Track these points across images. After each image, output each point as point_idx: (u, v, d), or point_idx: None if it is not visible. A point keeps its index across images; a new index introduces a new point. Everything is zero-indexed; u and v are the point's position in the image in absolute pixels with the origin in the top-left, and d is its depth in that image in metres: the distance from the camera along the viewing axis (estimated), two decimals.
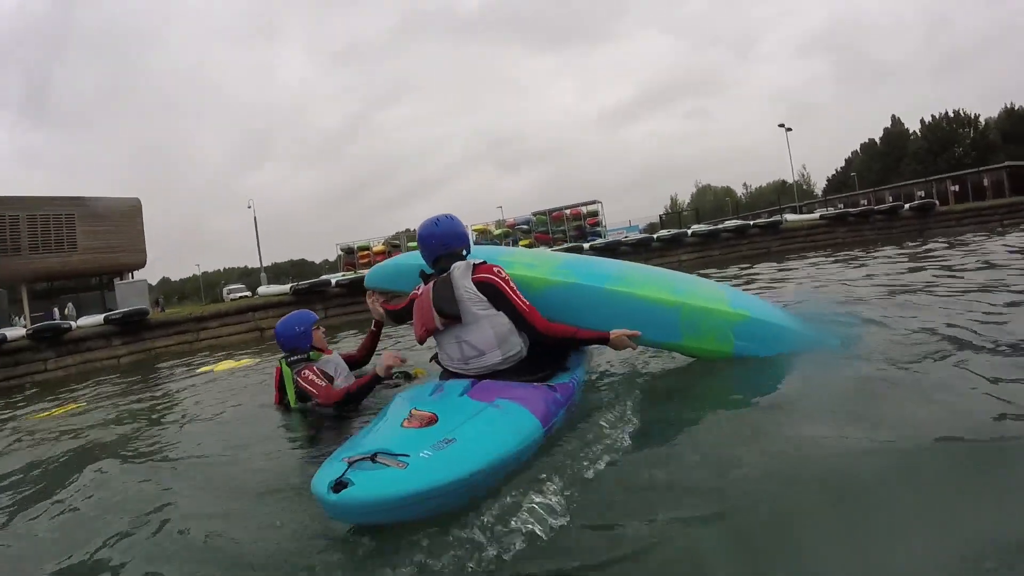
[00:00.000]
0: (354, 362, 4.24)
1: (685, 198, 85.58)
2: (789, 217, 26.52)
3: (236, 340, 15.35)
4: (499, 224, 32.63)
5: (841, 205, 39.52)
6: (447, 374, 3.02)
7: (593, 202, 31.55)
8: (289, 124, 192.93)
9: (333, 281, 17.95)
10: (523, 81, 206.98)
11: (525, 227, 31.97)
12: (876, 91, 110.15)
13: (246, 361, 7.98)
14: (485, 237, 31.63)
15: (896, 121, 63.59)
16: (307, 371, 3.70)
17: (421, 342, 3.10)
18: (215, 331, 15.99)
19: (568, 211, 31.15)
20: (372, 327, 4.31)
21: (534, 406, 2.44)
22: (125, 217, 33.96)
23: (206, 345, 15.34)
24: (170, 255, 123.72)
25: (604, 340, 3.06)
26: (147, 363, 13.16)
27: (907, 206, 23.14)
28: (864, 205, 32.27)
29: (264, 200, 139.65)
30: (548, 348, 3.03)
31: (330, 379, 3.73)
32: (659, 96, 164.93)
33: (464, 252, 3.15)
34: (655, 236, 21.18)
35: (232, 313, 17.06)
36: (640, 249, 19.95)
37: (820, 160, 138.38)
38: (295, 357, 3.87)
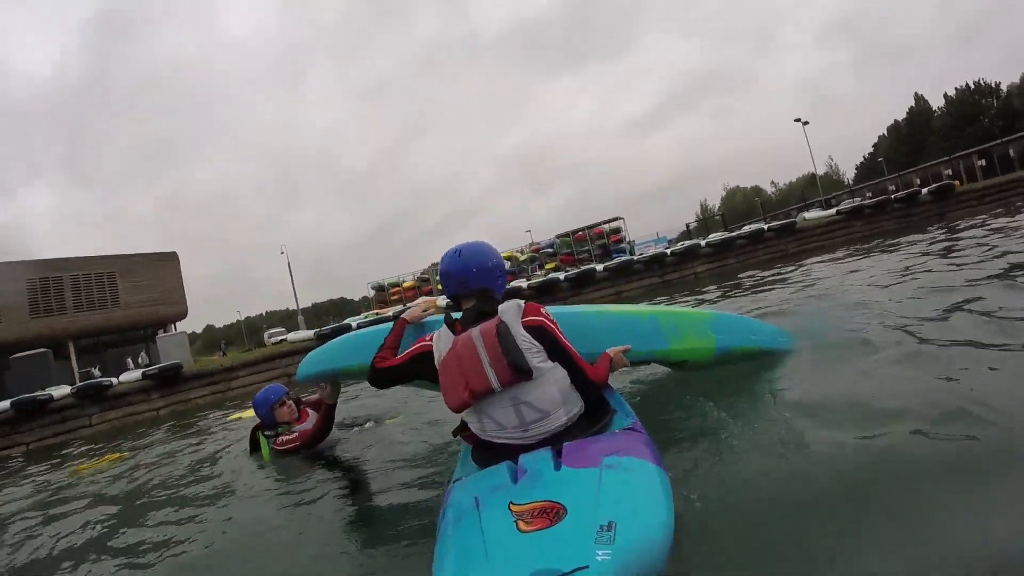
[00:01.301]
0: (311, 437, 4.23)
1: (715, 201, 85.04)
2: (806, 215, 26.20)
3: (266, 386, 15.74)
4: (524, 250, 33.07)
5: (869, 194, 38.86)
6: (484, 450, 2.43)
7: (615, 219, 31.59)
8: (322, 166, 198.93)
9: (354, 324, 18.48)
10: (548, 101, 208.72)
11: (550, 250, 32.25)
12: (898, 71, 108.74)
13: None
14: (512, 264, 32.12)
15: (919, 99, 62.19)
16: (283, 437, 4.32)
17: (459, 410, 2.42)
18: (245, 379, 16.69)
19: (591, 230, 31.40)
20: (322, 408, 4.17)
21: (643, 453, 2.05)
22: (164, 270, 35.39)
23: (237, 394, 15.96)
24: (213, 303, 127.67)
25: (609, 363, 2.69)
26: (184, 413, 13.88)
27: (924, 191, 22.44)
28: (892, 191, 31.71)
29: (303, 242, 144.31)
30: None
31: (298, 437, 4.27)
32: (682, 100, 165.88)
33: (496, 292, 2.64)
34: (668, 250, 21.10)
35: (261, 361, 17.82)
36: (654, 266, 19.88)
37: (848, 148, 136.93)
38: (268, 432, 4.46)
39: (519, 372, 2.24)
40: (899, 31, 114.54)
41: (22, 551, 3.70)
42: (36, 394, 15.30)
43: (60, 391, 15.85)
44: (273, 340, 32.64)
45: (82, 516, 4.29)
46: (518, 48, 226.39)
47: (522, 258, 32.41)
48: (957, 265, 6.65)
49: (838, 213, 22.82)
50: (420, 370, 2.60)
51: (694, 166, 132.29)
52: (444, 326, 2.55)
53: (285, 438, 4.30)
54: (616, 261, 21.21)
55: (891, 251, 10.78)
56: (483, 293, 2.55)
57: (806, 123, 42.39)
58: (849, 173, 72.79)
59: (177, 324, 35.75)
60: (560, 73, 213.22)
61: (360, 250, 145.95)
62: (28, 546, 3.78)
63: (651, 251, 23.88)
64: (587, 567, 1.42)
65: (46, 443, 13.80)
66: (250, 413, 8.15)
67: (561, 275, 20.93)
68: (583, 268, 21.45)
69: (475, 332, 2.35)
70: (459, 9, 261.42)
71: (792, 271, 11.51)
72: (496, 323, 2.34)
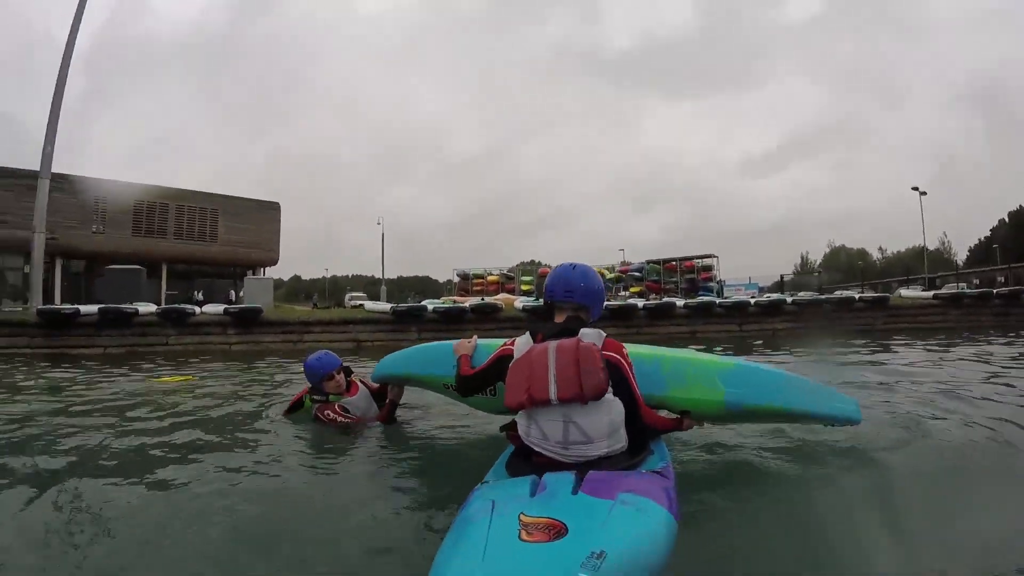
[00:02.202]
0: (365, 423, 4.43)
1: (817, 256, 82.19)
2: (903, 293, 25.25)
3: (336, 347, 16.09)
4: (611, 269, 32.96)
5: (976, 281, 37.10)
6: (524, 453, 2.59)
7: (709, 256, 31.27)
8: (430, 146, 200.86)
9: (430, 307, 18.90)
10: (664, 123, 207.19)
11: (638, 274, 32.22)
12: None
13: None
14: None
15: None
16: (327, 410, 4.36)
17: (515, 410, 2.55)
18: (317, 336, 17.10)
19: (683, 262, 31.11)
20: (388, 405, 4.39)
21: (659, 497, 2.11)
22: (264, 218, 37.22)
23: (307, 347, 16.21)
24: (305, 256, 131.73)
25: (679, 428, 2.86)
26: (253, 354, 14.45)
27: None
28: (1000, 282, 30.06)
29: (398, 215, 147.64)
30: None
31: (349, 416, 4.35)
32: (803, 146, 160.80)
33: (589, 316, 2.79)
34: (752, 300, 20.55)
35: (336, 323, 18.32)
36: (736, 313, 19.39)
37: (965, 226, 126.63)
38: (316, 396, 4.48)
39: (580, 392, 2.34)
40: None
41: (73, 443, 4.10)
42: (123, 306, 16.25)
43: (146, 307, 16.80)
44: (352, 303, 33.55)
45: (135, 425, 4.72)
46: (644, 65, 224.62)
47: (609, 276, 32.30)
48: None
49: (935, 297, 21.83)
50: (502, 371, 2.69)
51: (802, 216, 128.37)
52: (527, 333, 2.71)
53: (333, 414, 4.34)
54: (698, 300, 20.89)
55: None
56: (580, 309, 2.73)
57: (924, 193, 41.01)
58: (961, 253, 69.14)
59: (267, 269, 37.56)
60: (681, 97, 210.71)
61: (451, 233, 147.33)
62: (80, 441, 4.16)
63: (738, 295, 23.44)
64: None
65: (123, 351, 14.54)
66: (180, 379, 8.46)
67: (640, 303, 20.77)
68: (664, 300, 21.28)
69: (552, 344, 2.49)
70: (593, 17, 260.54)
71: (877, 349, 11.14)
72: (576, 342, 2.47)
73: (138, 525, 2.56)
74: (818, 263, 76.66)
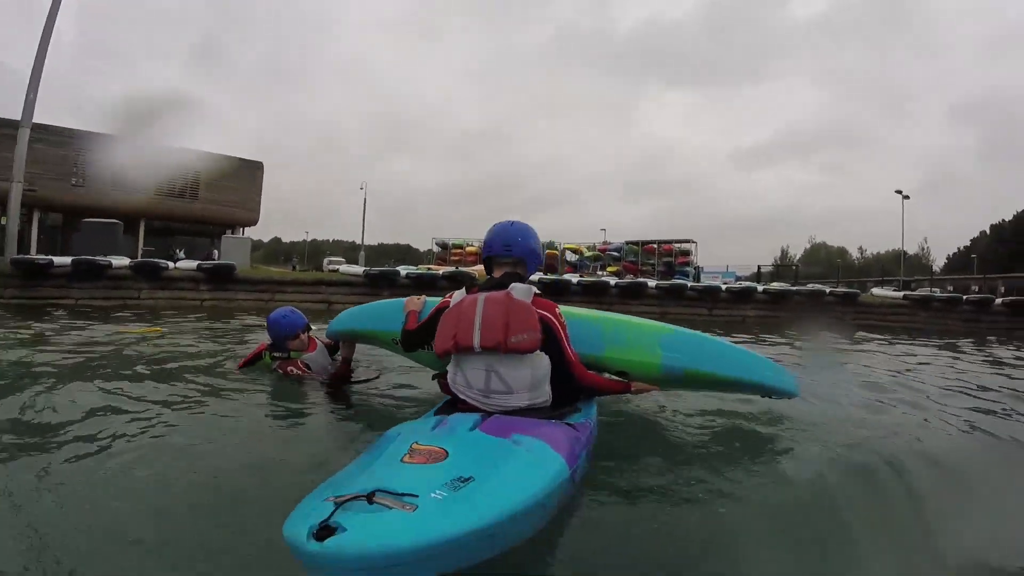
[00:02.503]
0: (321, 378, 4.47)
1: (797, 251, 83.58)
2: (875, 291, 25.47)
3: (306, 308, 16.13)
4: (591, 248, 33.13)
5: (950, 287, 37.52)
6: (453, 402, 2.70)
7: (688, 241, 31.79)
8: (430, 119, 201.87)
9: (403, 272, 18.91)
10: (662, 110, 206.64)
11: (616, 254, 32.42)
12: (1019, 171, 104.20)
13: None
14: (578, 257, 32.33)
15: None
16: (290, 366, 4.42)
17: (441, 356, 2.70)
18: (289, 296, 17.11)
19: (661, 245, 31.38)
20: (342, 363, 4.39)
21: (558, 444, 2.15)
22: (247, 176, 36.92)
23: (279, 306, 16.12)
24: (288, 219, 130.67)
25: (627, 390, 2.97)
26: (224, 310, 14.58)
27: (999, 300, 21.37)
28: (974, 291, 30.44)
29: (390, 185, 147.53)
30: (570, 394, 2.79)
31: (310, 372, 4.42)
32: (796, 144, 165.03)
33: (526, 272, 2.90)
34: (723, 287, 20.62)
35: (308, 283, 18.38)
36: (707, 297, 19.54)
37: (948, 235, 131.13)
38: (277, 353, 4.53)
39: (502, 342, 2.46)
40: None
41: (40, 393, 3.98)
42: (97, 258, 16.21)
43: (120, 261, 16.68)
44: (330, 268, 33.55)
45: (100, 373, 4.67)
46: (646, 50, 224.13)
47: (587, 253, 32.52)
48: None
49: (905, 297, 21.96)
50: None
51: (788, 212, 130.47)
52: (463, 288, 2.85)
53: (296, 370, 4.40)
54: (670, 282, 21.02)
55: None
56: (517, 264, 2.86)
57: (906, 197, 41.57)
58: (940, 261, 70.49)
59: (246, 229, 37.32)
60: (680, 85, 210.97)
61: (442, 208, 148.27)
62: (45, 389, 4.05)
63: (715, 282, 23.61)
64: (416, 496, 1.54)
65: (94, 303, 14.53)
66: (144, 330, 8.53)
67: (613, 280, 20.88)
68: (636, 280, 21.35)
69: (482, 295, 2.64)
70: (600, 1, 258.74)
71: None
72: (505, 295, 2.60)
73: (88, 484, 2.42)
74: (798, 258, 77.54)
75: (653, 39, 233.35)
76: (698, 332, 3.42)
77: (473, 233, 32.68)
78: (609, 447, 2.86)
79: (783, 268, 40.98)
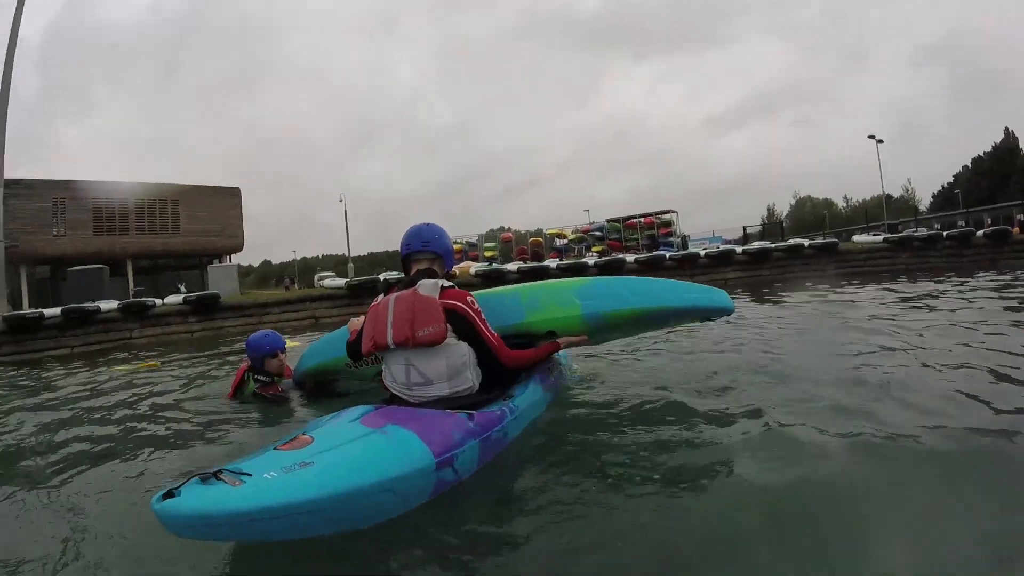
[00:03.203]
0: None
1: (784, 208, 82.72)
2: (855, 238, 25.44)
3: (294, 325, 16.80)
4: (575, 231, 33.21)
5: (937, 225, 37.67)
6: (389, 399, 2.79)
7: (668, 212, 31.45)
8: (399, 120, 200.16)
9: (382, 278, 19.24)
10: (631, 84, 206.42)
11: (599, 233, 32.23)
12: (993, 103, 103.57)
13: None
14: (561, 242, 32.41)
15: (1009, 135, 57.60)
16: (271, 390, 4.48)
17: (366, 356, 2.88)
18: (276, 316, 17.49)
19: (642, 219, 31.40)
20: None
21: (429, 435, 2.23)
22: (226, 204, 36.98)
23: (266, 327, 16.33)
24: (274, 240, 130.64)
25: (557, 348, 3.08)
26: (214, 338, 14.89)
27: (980, 232, 21.19)
28: (961, 225, 30.58)
29: (369, 191, 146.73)
30: (503, 376, 2.95)
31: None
32: (766, 102, 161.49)
33: (443, 268, 3.00)
34: (702, 252, 20.71)
35: (293, 301, 18.65)
36: (687, 265, 19.61)
37: (929, 174, 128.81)
38: (260, 376, 4.57)
39: (410, 336, 2.61)
40: (997, 66, 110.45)
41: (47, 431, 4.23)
42: (85, 304, 16.51)
43: (108, 304, 17.01)
44: (322, 284, 33.74)
45: (104, 410, 4.87)
46: (611, 24, 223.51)
47: (571, 237, 32.54)
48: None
49: (885, 240, 21.77)
50: None
51: (768, 171, 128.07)
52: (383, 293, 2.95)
53: (273, 392, 4.45)
54: (648, 255, 21.09)
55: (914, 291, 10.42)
56: (435, 259, 2.97)
57: (880, 141, 41.39)
58: (926, 200, 69.59)
59: (232, 256, 37.53)
60: (647, 57, 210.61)
61: (424, 206, 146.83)
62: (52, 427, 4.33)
63: (700, 248, 23.76)
64: (250, 475, 1.74)
65: (89, 349, 14.84)
66: (141, 366, 8.62)
67: (592, 260, 21.05)
68: (613, 256, 21.51)
69: (393, 295, 2.79)
70: None
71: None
72: (412, 292, 2.74)
73: (92, 520, 2.39)
74: (784, 215, 77.25)
75: (616, 16, 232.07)
76: (616, 276, 3.46)
77: (460, 228, 32.91)
78: (583, 439, 2.87)
79: (770, 227, 41.00)
